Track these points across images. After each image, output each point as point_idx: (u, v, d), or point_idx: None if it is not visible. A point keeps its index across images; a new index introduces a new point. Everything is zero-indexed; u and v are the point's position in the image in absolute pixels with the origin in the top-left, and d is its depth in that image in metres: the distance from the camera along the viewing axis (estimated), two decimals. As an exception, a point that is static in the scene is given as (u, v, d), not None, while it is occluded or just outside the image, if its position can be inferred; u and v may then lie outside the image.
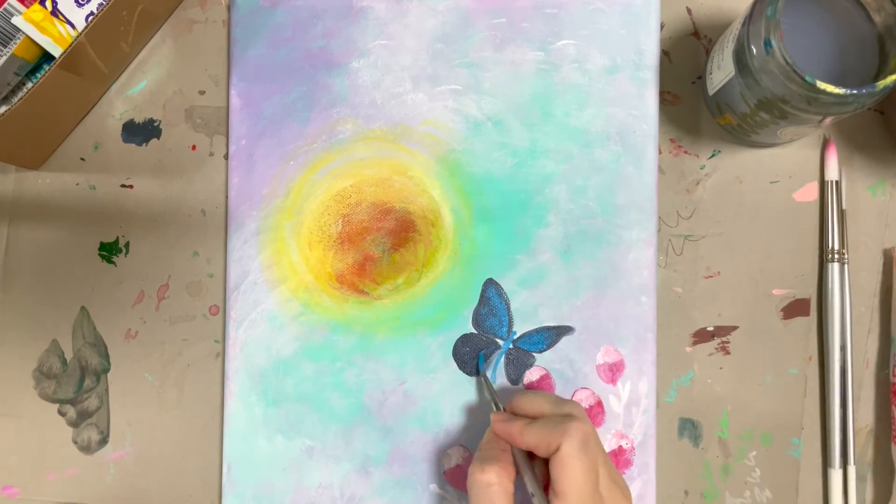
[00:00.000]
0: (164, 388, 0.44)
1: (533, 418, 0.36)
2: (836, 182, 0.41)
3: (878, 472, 0.41)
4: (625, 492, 0.35)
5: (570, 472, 0.32)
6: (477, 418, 0.42)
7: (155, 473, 0.44)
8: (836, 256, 0.41)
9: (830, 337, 0.41)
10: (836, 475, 0.41)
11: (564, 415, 0.35)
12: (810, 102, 0.33)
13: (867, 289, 0.42)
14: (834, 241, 0.41)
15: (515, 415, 0.37)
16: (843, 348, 0.41)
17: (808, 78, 0.32)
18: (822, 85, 0.32)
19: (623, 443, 0.41)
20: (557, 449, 0.33)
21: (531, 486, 0.34)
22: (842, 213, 0.41)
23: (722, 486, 0.41)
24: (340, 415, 0.42)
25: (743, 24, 0.35)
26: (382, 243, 0.43)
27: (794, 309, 0.41)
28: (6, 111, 0.39)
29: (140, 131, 0.45)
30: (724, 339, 0.42)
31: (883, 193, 0.42)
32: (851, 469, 0.41)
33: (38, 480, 0.44)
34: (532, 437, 0.34)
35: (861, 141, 0.42)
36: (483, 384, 0.41)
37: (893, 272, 0.41)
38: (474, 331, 0.42)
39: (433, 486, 0.42)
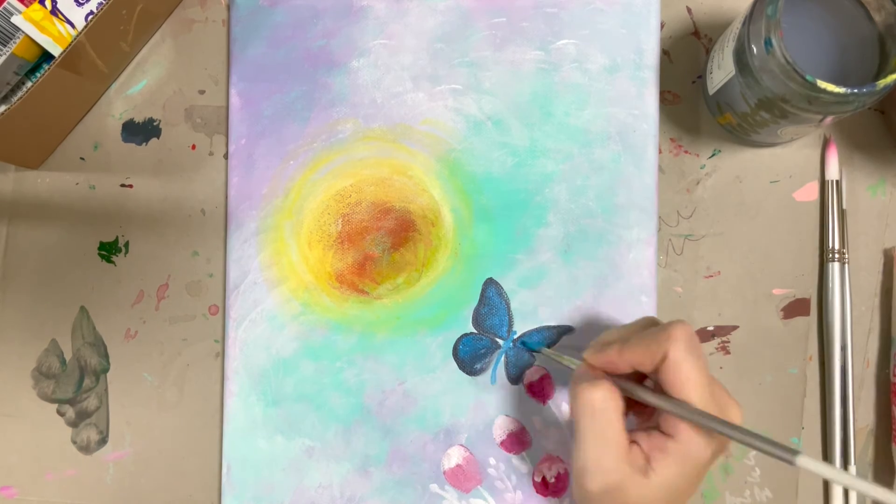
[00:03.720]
0: (164, 387, 0.44)
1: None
2: (837, 182, 0.41)
3: (879, 472, 0.41)
4: (727, 392, 0.33)
5: (686, 374, 0.30)
6: (477, 418, 0.42)
7: (154, 473, 0.44)
8: (837, 256, 0.41)
9: (830, 337, 0.41)
10: None
11: (659, 326, 0.32)
12: (811, 101, 0.33)
13: (867, 289, 0.42)
14: (834, 241, 0.41)
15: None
16: (843, 348, 0.41)
17: (808, 77, 0.32)
18: (822, 84, 0.32)
19: (623, 443, 0.41)
20: (664, 357, 0.31)
21: (651, 398, 0.32)
22: (842, 213, 0.41)
23: (722, 485, 0.41)
24: (340, 415, 0.42)
25: (743, 24, 0.35)
26: (382, 243, 0.43)
27: (795, 308, 0.41)
28: (5, 110, 0.39)
29: (140, 131, 0.45)
30: (724, 338, 0.42)
31: (883, 193, 0.42)
32: (852, 469, 0.41)
33: (37, 481, 0.44)
34: (635, 352, 0.32)
35: (861, 141, 0.42)
36: (546, 358, 0.40)
37: (894, 272, 0.41)
38: (474, 330, 0.42)
39: (433, 486, 0.42)
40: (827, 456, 0.41)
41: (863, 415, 0.42)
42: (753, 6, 0.34)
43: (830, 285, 0.41)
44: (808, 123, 0.36)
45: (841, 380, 0.41)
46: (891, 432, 0.41)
